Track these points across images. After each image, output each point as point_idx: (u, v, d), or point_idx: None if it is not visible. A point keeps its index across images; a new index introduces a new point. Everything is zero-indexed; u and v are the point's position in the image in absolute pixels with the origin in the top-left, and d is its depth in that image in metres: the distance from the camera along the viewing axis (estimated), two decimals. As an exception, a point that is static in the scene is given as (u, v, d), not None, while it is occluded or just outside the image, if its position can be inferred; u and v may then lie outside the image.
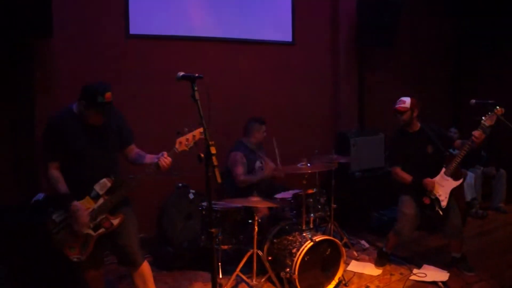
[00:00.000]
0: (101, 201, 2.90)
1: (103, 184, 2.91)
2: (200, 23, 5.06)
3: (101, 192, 2.91)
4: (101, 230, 2.91)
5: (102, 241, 2.97)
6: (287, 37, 5.68)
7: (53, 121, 2.92)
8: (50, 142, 2.90)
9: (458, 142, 4.01)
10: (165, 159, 2.90)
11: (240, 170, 4.33)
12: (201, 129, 2.81)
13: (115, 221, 2.95)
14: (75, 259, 2.88)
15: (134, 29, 4.68)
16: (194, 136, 2.93)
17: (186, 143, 2.91)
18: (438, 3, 7.17)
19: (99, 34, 4.53)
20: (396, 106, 4.06)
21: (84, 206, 2.86)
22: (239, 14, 5.31)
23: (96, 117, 2.88)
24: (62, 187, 2.87)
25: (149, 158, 3.06)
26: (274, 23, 5.59)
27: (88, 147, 2.91)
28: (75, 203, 2.83)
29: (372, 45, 6.02)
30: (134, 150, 3.19)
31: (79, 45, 4.43)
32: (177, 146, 2.91)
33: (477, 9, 6.98)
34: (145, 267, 3.09)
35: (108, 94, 2.81)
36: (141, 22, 4.71)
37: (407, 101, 4.02)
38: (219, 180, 2.26)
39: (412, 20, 6.63)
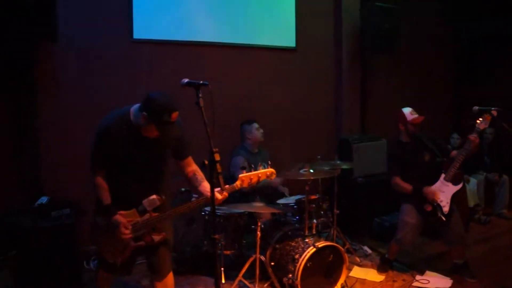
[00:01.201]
0: (146, 216, 2.80)
1: (153, 201, 2.79)
2: (204, 28, 5.08)
3: (148, 209, 2.80)
4: (141, 243, 2.83)
5: (137, 250, 2.91)
6: (290, 42, 5.70)
7: (106, 128, 2.75)
8: (99, 149, 2.79)
9: (454, 152, 4.02)
10: (219, 197, 2.69)
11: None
12: (269, 171, 2.71)
13: (157, 238, 2.85)
14: (110, 261, 2.86)
15: (138, 34, 4.71)
16: (259, 176, 2.76)
17: (250, 182, 2.70)
18: (439, 9, 7.20)
19: (103, 38, 4.55)
20: (416, 117, 4.06)
21: (128, 218, 2.78)
22: (243, 19, 5.33)
23: (154, 132, 2.71)
24: (106, 197, 2.79)
25: (203, 187, 2.86)
26: (278, 29, 5.61)
27: (138, 160, 2.78)
28: (117, 217, 2.74)
29: (374, 51, 6.06)
30: (190, 166, 3.00)
31: (83, 49, 4.45)
32: (238, 183, 2.71)
33: (477, 15, 7.02)
34: (169, 279, 3.01)
35: (175, 114, 2.62)
36: (145, 27, 4.74)
37: (414, 111, 4.06)
38: (223, 187, 2.26)
39: (413, 27, 6.66)
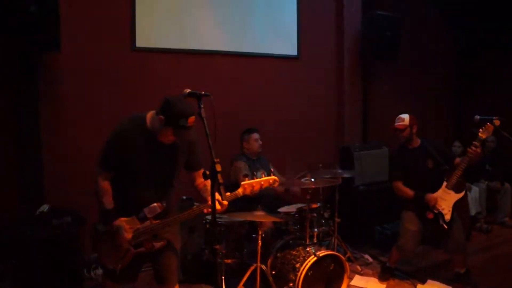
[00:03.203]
0: (147, 223, 2.78)
1: (153, 209, 2.77)
2: (206, 37, 5.10)
3: (149, 216, 2.79)
4: (141, 249, 2.81)
5: (140, 257, 2.87)
6: (292, 51, 5.73)
7: (122, 131, 2.74)
8: (111, 151, 2.75)
9: (457, 160, 4.02)
10: (221, 206, 2.69)
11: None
12: (271, 178, 2.71)
13: (157, 245, 2.82)
14: (110, 268, 2.82)
15: (140, 43, 4.72)
16: (262, 184, 2.76)
17: (252, 190, 2.71)
18: (439, 17, 7.23)
19: (106, 47, 4.56)
20: (396, 124, 4.12)
21: (128, 225, 2.75)
22: (245, 28, 5.36)
23: (170, 137, 2.70)
24: (107, 201, 2.76)
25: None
26: (280, 37, 5.63)
27: (150, 167, 2.76)
28: (117, 222, 2.72)
29: (375, 59, 6.09)
30: (201, 177, 2.89)
31: (86, 58, 4.47)
32: (240, 190, 2.71)
33: (477, 23, 7.05)
34: None
35: (192, 119, 2.60)
36: (147, 36, 4.76)
37: (405, 118, 4.08)
38: (224, 197, 2.26)
39: (414, 35, 6.69)
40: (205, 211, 2.77)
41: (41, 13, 3.74)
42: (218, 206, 2.64)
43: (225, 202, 2.69)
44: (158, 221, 2.80)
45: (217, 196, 2.65)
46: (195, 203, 4.56)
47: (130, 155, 2.71)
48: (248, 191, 2.73)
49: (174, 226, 2.94)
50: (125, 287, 3.04)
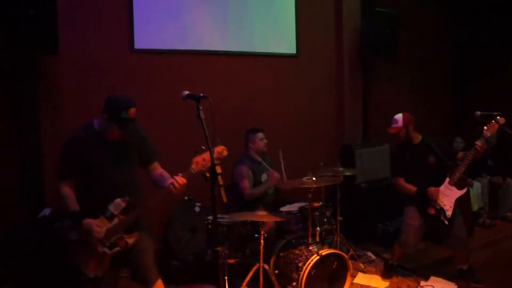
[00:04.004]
0: (115, 221, 2.85)
1: (118, 204, 2.85)
2: (205, 37, 5.09)
3: (115, 212, 2.85)
4: (117, 249, 2.86)
5: (118, 258, 2.92)
6: (291, 49, 5.71)
7: (72, 139, 2.90)
8: (66, 160, 2.89)
9: (460, 154, 4.01)
10: (177, 181, 2.79)
11: (246, 183, 4.34)
12: (220, 148, 2.77)
13: (130, 240, 2.89)
14: (91, 276, 2.84)
15: (138, 44, 4.71)
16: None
17: (203, 163, 2.75)
18: (439, 14, 7.21)
19: (104, 49, 4.56)
20: (390, 129, 4.14)
21: (99, 225, 2.82)
22: (244, 27, 5.35)
23: (117, 132, 2.85)
24: (72, 204, 2.85)
25: (169, 182, 2.89)
26: (279, 36, 5.62)
27: (105, 166, 2.88)
28: (87, 220, 2.78)
29: (375, 56, 6.08)
30: (157, 170, 3.10)
31: (84, 60, 4.46)
32: (193, 166, 2.76)
33: (476, 19, 7.03)
34: (159, 286, 3.02)
35: (133, 110, 2.79)
36: (146, 37, 4.75)
37: (399, 119, 4.10)
38: (225, 199, 2.25)
39: (414, 32, 6.67)
40: (171, 188, 2.79)
41: (39, 16, 3.73)
42: (176, 184, 2.76)
43: (184, 179, 2.77)
44: (125, 215, 2.87)
45: (179, 179, 2.78)
46: (197, 204, 4.58)
47: (86, 159, 2.85)
48: (200, 166, 2.76)
49: (143, 224, 3.02)
50: None
